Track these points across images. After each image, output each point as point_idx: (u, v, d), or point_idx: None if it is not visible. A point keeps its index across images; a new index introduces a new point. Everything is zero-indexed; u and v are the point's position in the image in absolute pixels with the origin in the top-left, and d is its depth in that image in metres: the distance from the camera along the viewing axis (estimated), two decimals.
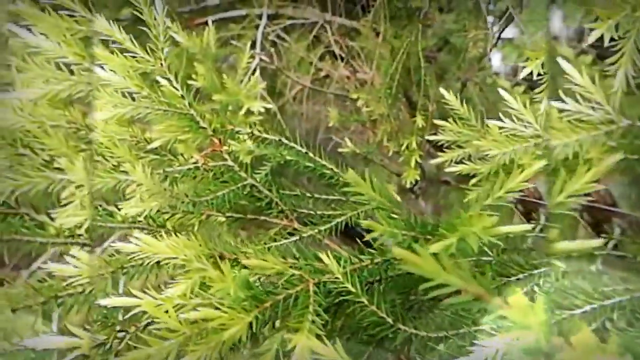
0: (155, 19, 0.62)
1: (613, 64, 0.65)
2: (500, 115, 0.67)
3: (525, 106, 0.61)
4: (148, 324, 0.61)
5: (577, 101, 0.51)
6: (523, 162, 0.77)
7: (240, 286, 0.41)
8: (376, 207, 0.43)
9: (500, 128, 0.78)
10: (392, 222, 0.41)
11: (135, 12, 0.67)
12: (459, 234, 0.37)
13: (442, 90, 0.93)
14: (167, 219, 0.69)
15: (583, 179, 0.31)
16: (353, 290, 0.47)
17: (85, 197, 0.61)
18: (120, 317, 0.58)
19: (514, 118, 0.67)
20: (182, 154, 0.73)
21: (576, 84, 0.51)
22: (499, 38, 2.16)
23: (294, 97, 2.36)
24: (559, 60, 0.52)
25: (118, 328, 0.58)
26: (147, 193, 0.59)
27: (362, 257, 0.52)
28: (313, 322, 0.42)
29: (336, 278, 0.48)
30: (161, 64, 0.64)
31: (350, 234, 0.87)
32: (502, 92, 0.65)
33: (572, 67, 0.50)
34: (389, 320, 0.47)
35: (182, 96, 0.65)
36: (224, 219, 0.78)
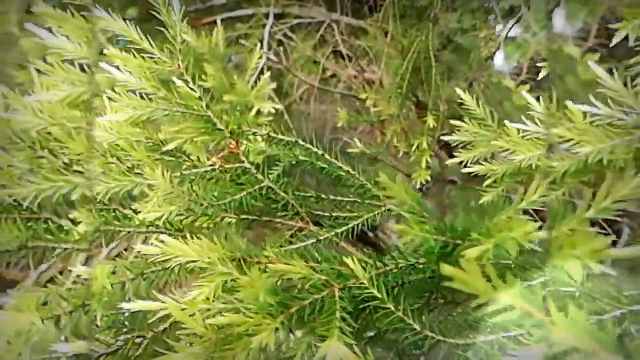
0: (173, 19, 0.61)
1: (635, 64, 0.64)
2: (523, 118, 0.66)
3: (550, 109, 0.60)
4: (165, 329, 0.61)
5: (608, 105, 0.50)
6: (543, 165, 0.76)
7: (267, 292, 0.41)
8: (407, 211, 0.43)
9: (519, 130, 0.77)
10: (424, 227, 0.40)
11: (152, 13, 0.66)
12: (497, 240, 0.36)
13: (457, 90, 0.92)
14: (182, 221, 0.68)
15: (631, 183, 0.30)
16: (379, 296, 0.46)
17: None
18: (138, 322, 0.58)
19: (537, 121, 0.66)
20: (197, 156, 0.72)
21: (608, 88, 0.50)
22: (506, 37, 2.15)
23: (300, 97, 2.35)
24: (591, 64, 0.51)
25: (136, 333, 0.57)
26: (165, 196, 0.58)
27: (386, 261, 0.51)
28: (341, 328, 0.41)
29: (361, 283, 0.47)
30: (178, 65, 0.63)
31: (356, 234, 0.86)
32: (525, 94, 0.64)
33: (602, 70, 0.49)
34: (416, 326, 0.46)
35: (200, 97, 0.64)
36: (233, 219, 0.77)
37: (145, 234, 0.61)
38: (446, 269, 0.26)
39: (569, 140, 0.64)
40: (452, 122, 0.90)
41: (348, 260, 0.47)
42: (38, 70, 0.58)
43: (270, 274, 0.49)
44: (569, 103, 0.63)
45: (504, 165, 0.86)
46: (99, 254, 1.55)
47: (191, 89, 0.65)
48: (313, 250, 0.65)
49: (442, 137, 1.32)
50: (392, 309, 0.46)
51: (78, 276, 0.56)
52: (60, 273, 1.48)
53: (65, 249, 0.49)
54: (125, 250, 1.59)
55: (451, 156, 2.10)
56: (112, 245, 1.48)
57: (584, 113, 0.62)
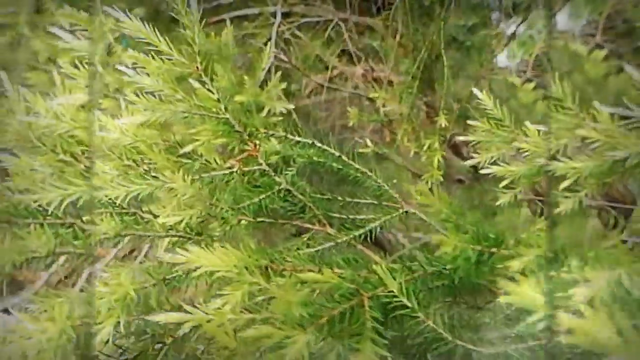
0: (191, 21, 0.60)
1: None
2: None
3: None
4: (185, 336, 0.60)
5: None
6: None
7: (300, 303, 0.40)
8: (443, 220, 0.42)
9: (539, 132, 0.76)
10: (463, 237, 0.39)
11: (159, 11, 0.65)
12: (539, 250, 0.34)
13: (474, 90, 0.91)
14: (200, 223, 0.67)
15: None
16: (409, 305, 0.45)
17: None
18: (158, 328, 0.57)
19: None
20: (214, 159, 0.71)
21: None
22: (513, 34, 2.14)
23: (308, 96, 2.33)
24: (626, 66, 0.50)
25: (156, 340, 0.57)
26: (185, 200, 0.57)
27: (414, 268, 0.50)
28: (373, 340, 0.40)
29: (390, 291, 0.46)
30: (197, 67, 0.62)
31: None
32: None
33: (638, 73, 0.48)
34: (448, 336, 0.45)
35: (218, 99, 0.63)
36: (246, 222, 0.76)
37: (165, 238, 0.60)
38: (504, 284, 0.25)
39: (595, 142, 0.63)
40: (470, 122, 0.89)
41: (377, 268, 0.46)
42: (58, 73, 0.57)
43: (295, 279, 0.48)
44: (596, 103, 0.61)
45: (523, 166, 0.84)
46: (106, 255, 1.54)
47: (209, 90, 0.64)
48: (337, 255, 0.64)
49: (457, 138, 1.30)
50: (423, 318, 0.45)
51: (88, 279, 0.56)
52: (70, 275, 1.46)
53: (91, 254, 0.48)
54: (132, 251, 1.57)
55: (457, 155, 2.09)
56: (118, 247, 1.47)
57: (612, 114, 0.61)
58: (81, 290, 0.68)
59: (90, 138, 0.60)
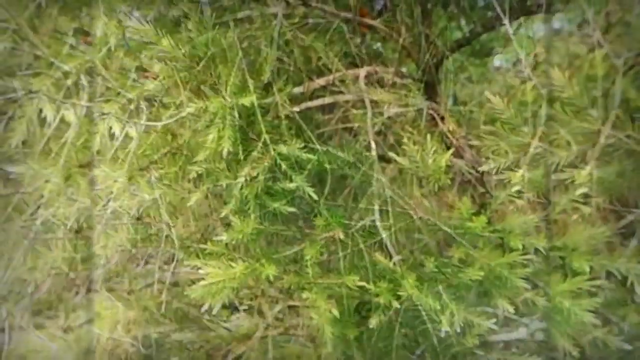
0: (204, 26, 0.58)
1: None
2: None
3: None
4: (201, 346, 0.59)
5: None
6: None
7: (332, 322, 0.38)
8: (466, 232, 0.40)
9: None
10: (487, 251, 0.38)
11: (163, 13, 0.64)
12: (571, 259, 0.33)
13: (487, 94, 0.90)
14: (212, 231, 0.66)
15: None
16: (436, 318, 0.44)
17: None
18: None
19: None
20: (227, 166, 0.70)
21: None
22: (513, 34, 2.11)
23: (310, 98, 2.32)
24: None
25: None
26: (198, 209, 0.56)
27: (438, 277, 0.48)
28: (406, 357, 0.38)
29: (415, 304, 0.45)
30: (211, 74, 0.60)
31: None
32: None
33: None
34: (480, 352, 0.44)
35: (232, 107, 0.62)
36: (255, 229, 0.74)
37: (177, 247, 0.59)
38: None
39: (617, 149, 0.62)
40: (483, 127, 0.88)
41: (404, 282, 0.44)
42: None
43: (318, 289, 0.46)
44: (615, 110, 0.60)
45: (537, 171, 0.83)
46: (111, 259, 1.51)
47: (224, 97, 0.63)
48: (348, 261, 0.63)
49: (461, 140, 1.29)
50: (451, 332, 0.43)
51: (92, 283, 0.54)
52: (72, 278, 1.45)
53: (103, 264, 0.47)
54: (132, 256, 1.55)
55: (460, 157, 2.07)
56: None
57: (633, 118, 0.60)
58: (88, 291, 0.67)
59: (96, 145, 0.58)
